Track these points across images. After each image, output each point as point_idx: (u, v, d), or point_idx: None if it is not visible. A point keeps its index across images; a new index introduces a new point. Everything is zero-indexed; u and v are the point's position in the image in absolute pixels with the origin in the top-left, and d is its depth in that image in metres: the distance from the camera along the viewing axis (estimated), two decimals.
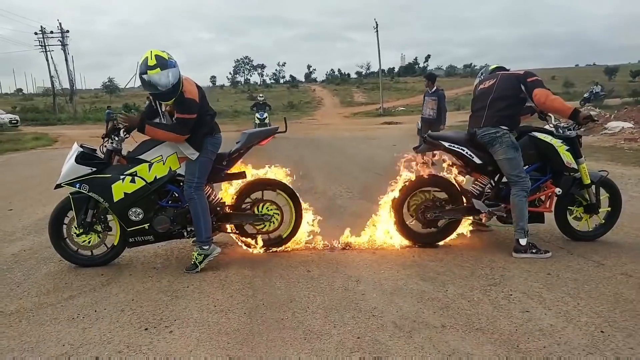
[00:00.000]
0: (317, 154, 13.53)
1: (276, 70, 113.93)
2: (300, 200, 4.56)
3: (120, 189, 4.03)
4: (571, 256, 4.21)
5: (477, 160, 4.37)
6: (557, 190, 4.38)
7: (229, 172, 4.39)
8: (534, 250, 4.18)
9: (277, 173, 4.71)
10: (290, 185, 4.56)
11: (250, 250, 4.51)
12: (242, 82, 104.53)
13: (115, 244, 4.27)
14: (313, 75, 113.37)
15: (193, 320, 3.16)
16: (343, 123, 34.27)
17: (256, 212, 4.43)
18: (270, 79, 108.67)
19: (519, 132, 4.44)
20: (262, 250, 4.50)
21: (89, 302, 3.49)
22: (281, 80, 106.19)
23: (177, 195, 4.22)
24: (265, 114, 19.73)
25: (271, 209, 4.46)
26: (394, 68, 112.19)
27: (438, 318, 3.08)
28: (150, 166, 4.09)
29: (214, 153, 4.16)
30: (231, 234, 4.53)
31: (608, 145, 13.64)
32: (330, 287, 3.64)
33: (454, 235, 4.65)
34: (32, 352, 2.82)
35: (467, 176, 4.68)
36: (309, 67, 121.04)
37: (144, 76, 3.76)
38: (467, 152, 4.37)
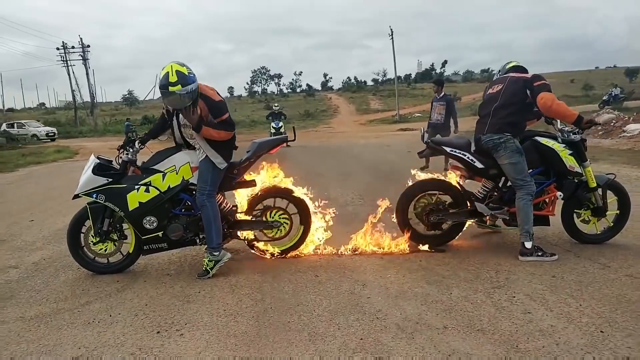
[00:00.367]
0: (331, 161, 13.64)
1: (293, 79, 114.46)
2: (310, 208, 4.66)
3: (135, 198, 4.18)
4: (577, 259, 4.23)
5: (478, 165, 4.45)
6: (559, 194, 4.43)
7: (239, 180, 4.52)
8: (539, 253, 4.22)
9: (287, 181, 4.82)
10: (299, 193, 4.67)
11: (262, 256, 4.62)
12: (259, 92, 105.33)
13: (131, 251, 4.42)
14: (329, 84, 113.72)
15: (203, 323, 3.27)
16: (359, 130, 34.34)
17: (266, 219, 4.55)
18: (287, 89, 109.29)
19: (522, 137, 4.48)
20: (271, 256, 4.61)
21: (105, 308, 3.64)
22: (298, 90, 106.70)
23: (189, 203, 4.35)
24: (281, 123, 19.97)
25: (281, 216, 4.58)
26: (410, 74, 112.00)
27: (440, 320, 3.15)
28: (164, 176, 4.24)
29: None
30: (243, 241, 4.65)
31: (625, 148, 13.48)
32: (337, 291, 3.73)
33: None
34: (49, 354, 2.96)
35: (469, 180, 4.75)
36: (325, 75, 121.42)
37: (165, 91, 3.93)
38: (468, 157, 4.46)
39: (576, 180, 4.50)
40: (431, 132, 9.97)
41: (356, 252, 4.67)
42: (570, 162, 4.37)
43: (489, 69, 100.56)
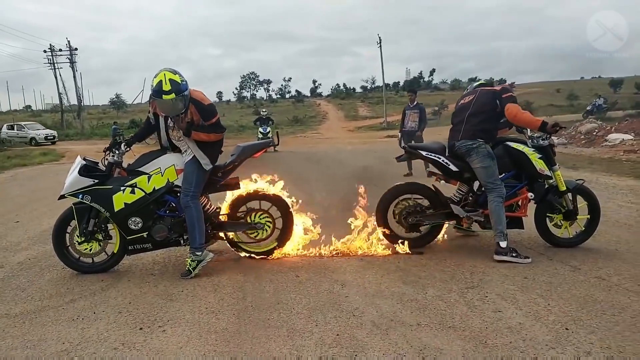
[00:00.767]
0: (318, 167, 13.75)
1: (282, 85, 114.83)
2: (292, 210, 4.77)
3: (121, 199, 4.27)
4: (550, 261, 4.39)
5: (453, 168, 4.64)
6: (530, 194, 4.61)
7: (223, 183, 4.62)
8: (514, 254, 4.37)
9: (270, 185, 4.92)
10: (282, 196, 4.78)
11: (245, 256, 4.72)
12: (248, 98, 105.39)
13: (115, 251, 4.49)
14: (318, 90, 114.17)
15: (185, 320, 3.37)
16: (347, 137, 34.52)
17: (249, 221, 4.65)
18: (276, 94, 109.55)
19: (494, 142, 4.68)
20: (254, 257, 4.72)
21: (89, 305, 3.71)
22: (287, 95, 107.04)
23: (174, 205, 4.44)
24: (269, 129, 20.09)
25: (264, 218, 4.68)
26: (399, 82, 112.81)
27: (414, 317, 3.28)
28: (149, 178, 4.33)
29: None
30: (226, 242, 4.75)
31: (607, 157, 13.75)
32: (316, 290, 3.84)
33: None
34: (34, 349, 3.04)
35: (444, 182, 4.93)
36: (314, 82, 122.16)
37: (159, 99, 4.04)
38: (443, 160, 4.65)
39: (546, 185, 4.68)
40: (406, 139, 10.43)
41: (337, 254, 4.78)
42: (540, 165, 4.57)
43: (476, 77, 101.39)
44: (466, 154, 4.54)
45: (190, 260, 4.26)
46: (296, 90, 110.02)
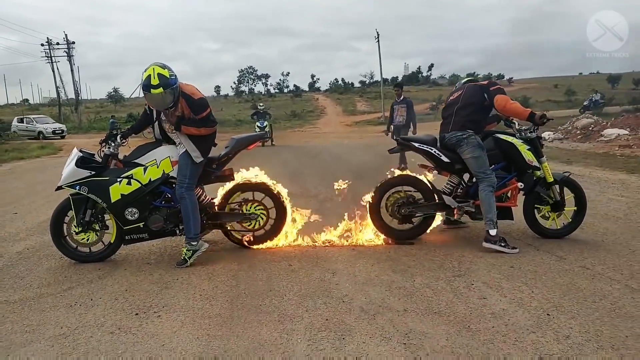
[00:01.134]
0: (314, 161, 13.85)
1: (280, 80, 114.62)
2: (284, 202, 4.86)
3: (117, 190, 4.36)
4: (537, 251, 4.50)
5: (444, 159, 4.75)
6: (520, 184, 4.72)
7: (218, 174, 4.71)
8: (502, 244, 4.48)
9: (264, 176, 5.02)
10: (274, 187, 4.87)
11: (239, 246, 4.82)
12: (247, 92, 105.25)
13: (112, 241, 4.59)
14: (317, 85, 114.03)
15: (180, 306, 3.47)
16: (344, 131, 34.62)
17: (244, 211, 4.75)
18: (274, 89, 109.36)
19: (484, 134, 4.79)
20: (248, 246, 4.82)
21: (86, 292, 3.81)
22: (285, 90, 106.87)
23: (170, 196, 4.54)
24: (266, 123, 20.15)
25: (258, 209, 4.78)
26: (397, 77, 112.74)
27: (402, 304, 3.39)
28: (145, 169, 4.42)
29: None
30: (221, 231, 4.85)
31: (602, 152, 13.85)
32: (308, 278, 3.95)
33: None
34: (32, 333, 3.14)
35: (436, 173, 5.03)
36: (312, 76, 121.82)
37: (147, 93, 4.13)
38: (435, 152, 4.76)
39: (534, 176, 4.79)
40: (396, 133, 10.65)
41: (329, 244, 4.89)
42: (528, 156, 4.68)
43: (474, 73, 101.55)
44: (457, 144, 4.65)
45: (186, 250, 4.36)
46: (294, 85, 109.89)
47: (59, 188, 4.46)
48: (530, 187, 4.82)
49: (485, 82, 4.80)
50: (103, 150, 4.50)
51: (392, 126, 11.03)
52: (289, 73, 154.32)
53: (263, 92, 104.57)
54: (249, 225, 4.79)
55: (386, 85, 67.15)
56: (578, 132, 18.31)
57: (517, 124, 4.84)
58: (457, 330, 2.98)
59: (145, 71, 4.13)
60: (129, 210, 4.43)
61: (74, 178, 4.38)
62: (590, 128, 18.20)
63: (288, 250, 4.77)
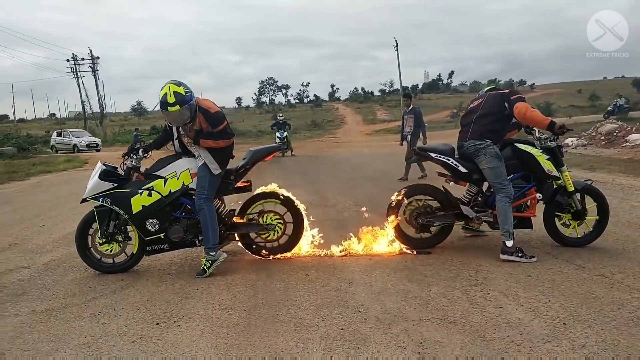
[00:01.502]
0: (333, 170, 13.93)
1: (300, 90, 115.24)
2: (302, 212, 4.93)
3: (139, 201, 4.49)
4: (555, 260, 4.47)
5: (462, 169, 4.74)
6: (538, 195, 4.69)
7: (236, 185, 4.81)
8: (519, 254, 4.46)
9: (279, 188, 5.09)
10: (292, 198, 4.94)
11: (257, 256, 4.90)
12: (267, 103, 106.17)
13: (135, 252, 4.71)
14: (337, 94, 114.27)
15: (199, 316, 3.55)
16: (364, 140, 34.67)
17: (261, 222, 4.83)
18: (294, 99, 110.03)
19: (502, 144, 4.77)
20: (265, 257, 4.90)
21: (109, 303, 3.93)
22: (305, 100, 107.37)
23: (189, 207, 4.64)
24: (285, 133, 20.33)
25: (275, 219, 4.86)
26: (417, 85, 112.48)
27: (417, 313, 3.41)
28: (165, 181, 4.54)
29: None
30: (239, 242, 4.94)
31: (626, 158, 13.60)
32: (325, 288, 4.00)
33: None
34: (58, 342, 3.25)
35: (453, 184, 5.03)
36: (332, 86, 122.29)
37: (165, 111, 4.29)
38: (452, 162, 4.76)
39: (555, 185, 4.75)
40: (413, 142, 10.77)
41: (346, 254, 4.93)
42: (548, 166, 4.64)
43: (495, 79, 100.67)
44: (474, 154, 4.65)
45: (205, 260, 4.45)
46: (314, 95, 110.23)
47: (84, 200, 4.61)
48: (550, 197, 4.78)
49: (507, 91, 4.77)
50: (125, 164, 4.64)
51: (408, 136, 11.11)
52: (308, 83, 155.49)
53: (283, 103, 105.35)
54: (266, 236, 4.86)
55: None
56: (602, 137, 17.98)
57: (537, 131, 4.81)
58: (471, 339, 2.99)
59: (161, 89, 4.27)
60: (150, 221, 4.55)
61: (98, 190, 4.52)
62: (615, 133, 17.86)
63: (305, 260, 4.83)
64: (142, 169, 4.68)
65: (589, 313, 3.28)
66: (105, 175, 4.56)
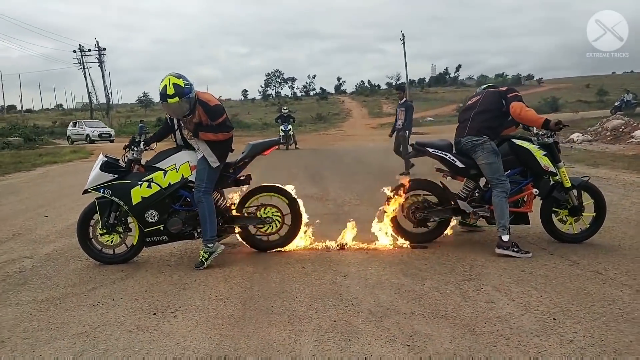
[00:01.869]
0: (336, 164, 13.97)
1: (306, 82, 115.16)
2: (300, 205, 4.98)
3: (138, 193, 4.55)
4: (550, 256, 4.50)
5: (459, 165, 4.78)
6: (534, 190, 4.72)
7: (235, 178, 4.87)
8: (515, 249, 4.50)
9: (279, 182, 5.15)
10: (290, 192, 4.99)
11: (255, 249, 4.96)
12: (273, 95, 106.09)
13: (135, 243, 4.78)
14: (343, 87, 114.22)
15: (195, 307, 3.61)
16: (369, 134, 34.59)
17: (259, 215, 4.88)
18: (300, 92, 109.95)
19: (499, 139, 4.80)
20: (263, 250, 4.96)
21: (109, 293, 4.00)
22: (311, 93, 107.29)
23: (188, 199, 4.71)
24: (290, 126, 20.33)
25: (273, 213, 4.91)
26: (424, 78, 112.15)
27: (409, 307, 3.46)
28: (165, 173, 4.60)
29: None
30: (237, 235, 5.00)
31: (631, 154, 13.57)
32: (320, 280, 4.05)
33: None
34: (57, 331, 3.32)
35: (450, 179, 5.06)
36: (338, 79, 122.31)
37: (164, 102, 4.34)
38: (449, 157, 4.80)
39: (552, 181, 4.78)
40: (396, 135, 10.87)
41: (343, 247, 4.97)
42: (544, 162, 4.68)
43: (503, 73, 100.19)
44: (471, 150, 4.69)
45: (203, 252, 4.52)
46: (320, 88, 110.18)
47: (86, 191, 4.68)
48: (547, 193, 4.82)
49: (504, 89, 4.80)
50: (126, 155, 4.71)
51: (406, 131, 11.02)
52: (315, 76, 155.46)
53: (289, 95, 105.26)
54: (264, 230, 4.92)
55: (414, 87, 66.81)
56: (608, 133, 17.91)
57: (534, 128, 4.84)
58: (461, 333, 3.03)
59: (161, 81, 4.32)
60: (149, 212, 4.61)
61: (99, 181, 4.59)
62: (621, 129, 17.78)
63: (302, 253, 4.89)
64: (143, 161, 4.74)
65: (579, 309, 3.32)
66: (107, 166, 4.62)
